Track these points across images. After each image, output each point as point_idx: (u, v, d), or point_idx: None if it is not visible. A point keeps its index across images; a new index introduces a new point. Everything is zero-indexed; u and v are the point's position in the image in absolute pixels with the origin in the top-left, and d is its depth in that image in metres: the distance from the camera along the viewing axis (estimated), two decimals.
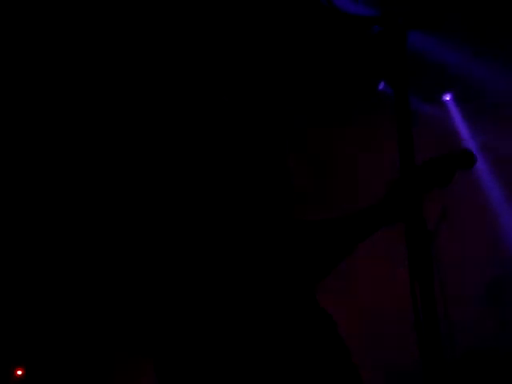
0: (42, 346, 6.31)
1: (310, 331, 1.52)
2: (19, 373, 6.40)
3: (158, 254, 1.53)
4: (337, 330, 1.58)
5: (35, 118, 4.88)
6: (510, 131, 6.05)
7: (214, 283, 1.47)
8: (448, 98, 6.68)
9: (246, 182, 1.55)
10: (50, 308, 6.20)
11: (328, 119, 6.26)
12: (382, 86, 6.31)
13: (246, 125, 1.64)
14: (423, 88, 6.11)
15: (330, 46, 5.14)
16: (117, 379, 6.09)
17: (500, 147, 6.16)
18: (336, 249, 1.60)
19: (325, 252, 1.59)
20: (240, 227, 1.50)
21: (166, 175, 1.55)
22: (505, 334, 5.54)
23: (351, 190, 5.85)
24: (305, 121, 6.03)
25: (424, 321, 1.30)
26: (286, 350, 1.47)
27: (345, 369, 1.54)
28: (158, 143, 1.60)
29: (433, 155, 1.67)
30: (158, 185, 1.55)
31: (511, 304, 5.63)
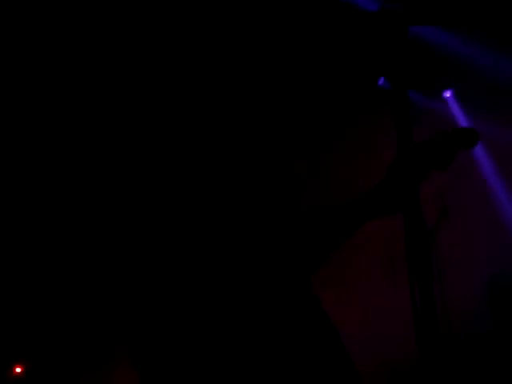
0: (41, 343, 6.31)
1: (303, 322, 1.49)
2: (18, 370, 6.39)
3: (155, 244, 1.51)
4: (330, 321, 1.54)
5: (34, 117, 4.88)
6: (511, 129, 6.05)
7: (210, 276, 1.45)
8: (448, 95, 6.67)
9: (246, 177, 1.53)
10: (49, 306, 6.20)
11: (328, 118, 6.26)
12: (381, 81, 6.30)
13: (245, 121, 1.63)
14: (424, 84, 6.10)
15: (330, 40, 5.14)
16: (116, 374, 6.09)
17: (501, 144, 6.16)
18: (332, 234, 1.53)
19: (320, 238, 1.52)
20: (236, 220, 1.48)
21: (164, 168, 1.53)
22: (504, 334, 5.53)
23: (351, 190, 5.83)
24: (305, 120, 6.02)
25: (424, 320, 1.30)
26: (279, 344, 1.44)
27: (340, 362, 1.51)
28: (158, 140, 1.59)
29: None
30: (156, 175, 1.54)
31: (511, 304, 5.62)
